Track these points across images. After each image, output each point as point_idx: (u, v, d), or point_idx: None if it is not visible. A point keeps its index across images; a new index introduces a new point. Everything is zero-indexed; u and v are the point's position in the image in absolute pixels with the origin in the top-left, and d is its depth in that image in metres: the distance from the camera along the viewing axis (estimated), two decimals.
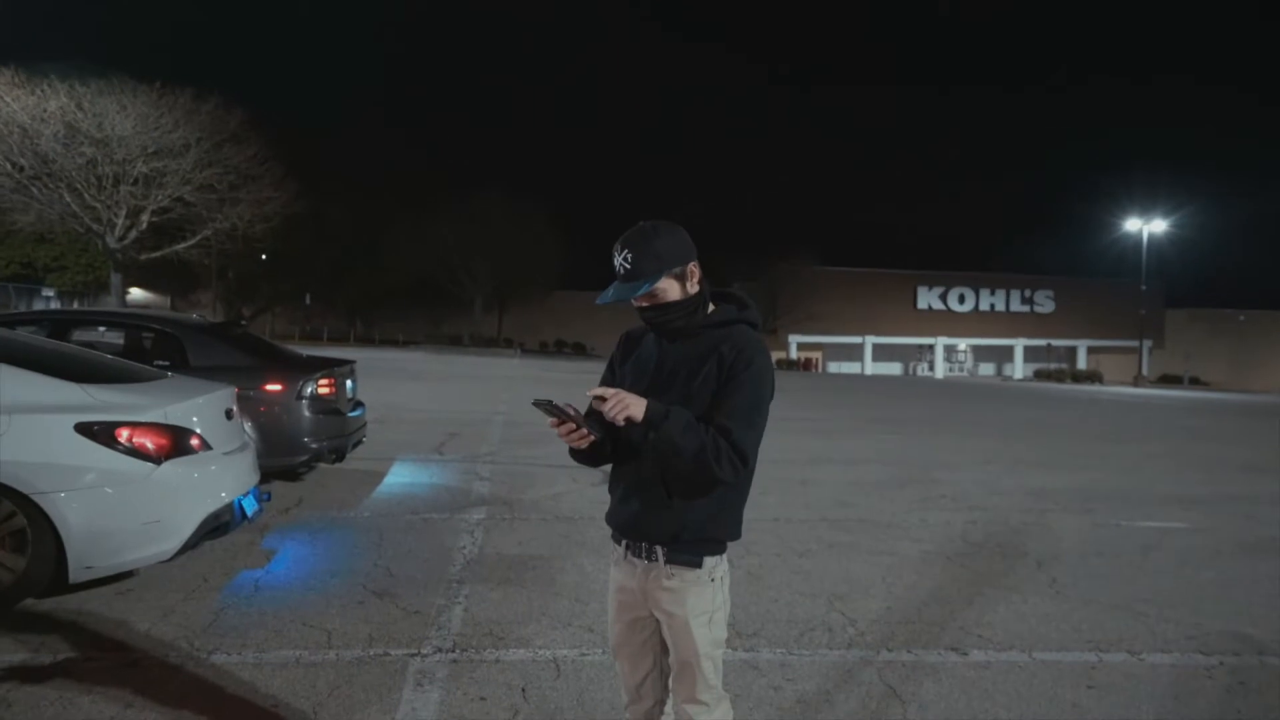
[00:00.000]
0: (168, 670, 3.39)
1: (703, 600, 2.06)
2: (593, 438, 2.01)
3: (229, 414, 4.89)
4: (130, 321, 7.16)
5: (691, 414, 1.96)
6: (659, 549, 2.07)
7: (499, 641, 3.84)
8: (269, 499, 5.39)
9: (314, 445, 6.86)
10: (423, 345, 49.82)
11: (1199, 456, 11.86)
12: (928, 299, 58.69)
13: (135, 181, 28.70)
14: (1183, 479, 9.54)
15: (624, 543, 2.16)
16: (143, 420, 4.18)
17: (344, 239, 50.07)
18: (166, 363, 6.59)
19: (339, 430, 7.17)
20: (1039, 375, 51.90)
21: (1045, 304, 59.11)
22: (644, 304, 2.08)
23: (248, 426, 6.51)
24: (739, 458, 1.94)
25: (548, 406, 1.94)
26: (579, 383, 22.91)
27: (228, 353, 7.00)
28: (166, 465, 4.16)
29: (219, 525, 4.45)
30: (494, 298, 56.52)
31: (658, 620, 2.12)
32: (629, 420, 1.92)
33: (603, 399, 1.92)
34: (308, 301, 54.27)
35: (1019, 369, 58.08)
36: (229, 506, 4.52)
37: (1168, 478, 9.61)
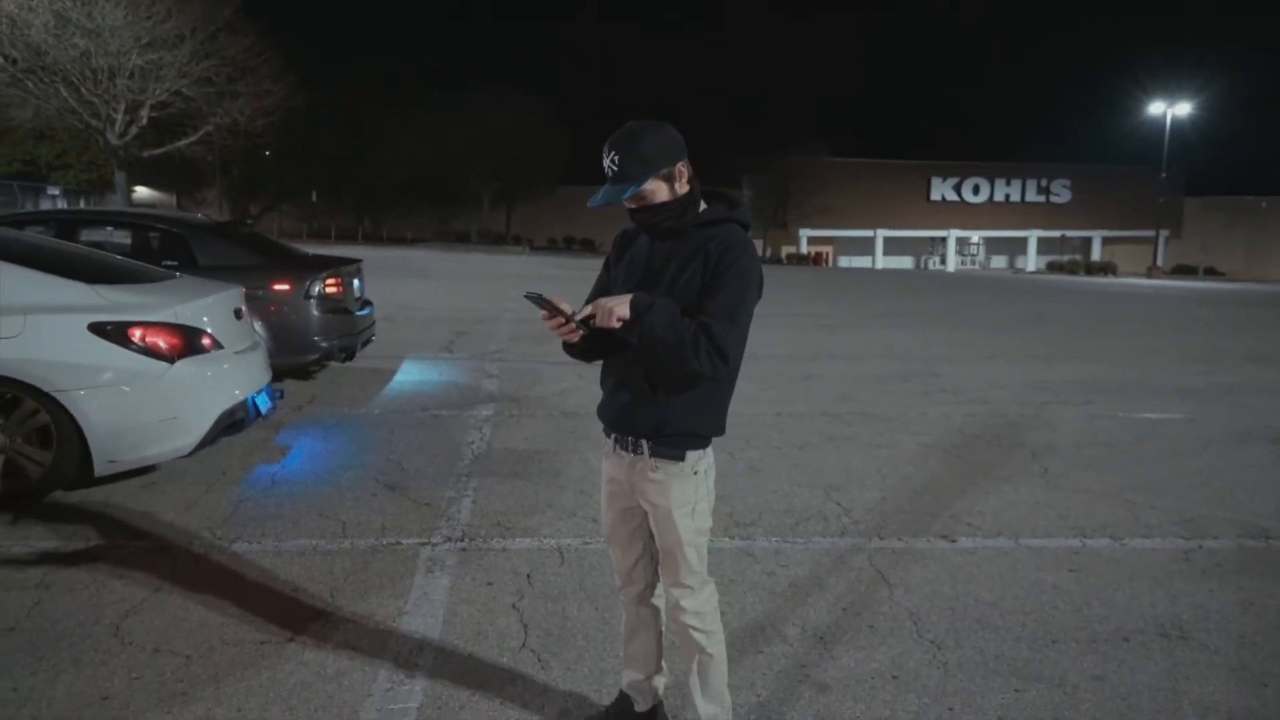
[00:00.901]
0: (193, 558, 3.59)
1: (685, 492, 2.16)
2: (583, 331, 2.07)
3: (238, 313, 4.97)
4: (136, 221, 7.16)
5: (677, 307, 2.01)
6: (644, 443, 2.15)
7: (506, 531, 4.02)
8: (282, 396, 5.53)
9: (323, 344, 6.97)
10: (431, 243, 49.59)
11: (1202, 348, 11.89)
12: (941, 190, 57.58)
13: (131, 75, 27.97)
14: (1184, 370, 9.60)
15: (613, 436, 2.25)
16: (154, 320, 4.27)
17: (347, 134, 49.13)
18: (174, 263, 6.63)
19: (348, 329, 7.27)
20: (1051, 267, 51.42)
21: (1062, 194, 57.93)
22: (633, 205, 2.09)
23: (257, 326, 6.62)
24: (718, 354, 1.99)
25: (538, 300, 1.99)
26: (587, 280, 22.80)
27: (234, 252, 7.03)
28: (180, 364, 4.27)
29: (234, 422, 4.60)
30: (501, 194, 55.82)
31: (645, 510, 2.22)
32: (620, 320, 1.97)
33: (592, 315, 1.98)
34: (314, 199, 53.74)
35: (1032, 261, 57.48)
36: (243, 404, 4.65)
37: (1169, 369, 9.68)
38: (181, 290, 4.69)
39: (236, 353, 4.73)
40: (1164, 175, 46.51)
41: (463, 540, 3.89)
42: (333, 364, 7.67)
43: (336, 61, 48.09)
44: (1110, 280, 39.54)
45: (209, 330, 4.51)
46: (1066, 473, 5.28)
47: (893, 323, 14.63)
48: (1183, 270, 49.28)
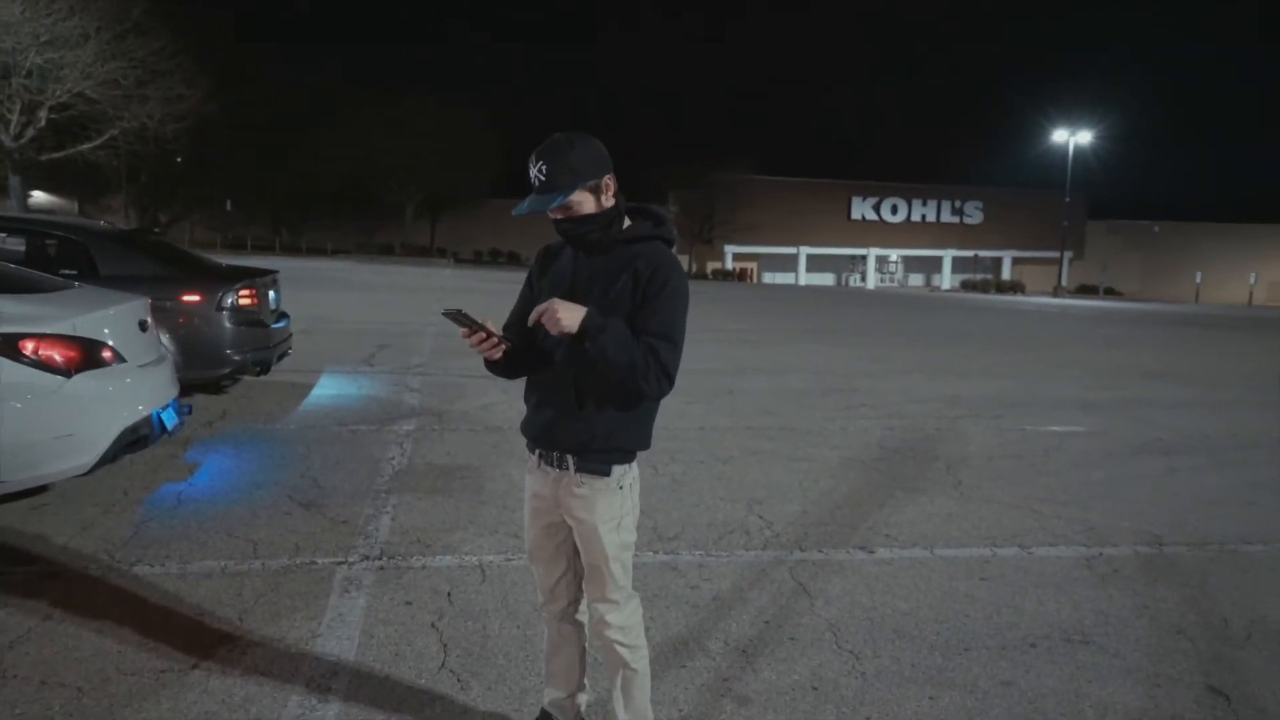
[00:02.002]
0: (88, 582, 3.40)
1: (611, 507, 2.15)
2: (505, 347, 2.04)
3: (143, 325, 4.75)
4: (32, 228, 6.79)
5: (626, 327, 2.01)
6: (570, 458, 2.14)
7: (426, 549, 3.93)
8: (190, 412, 5.31)
9: (236, 357, 6.72)
10: (352, 254, 48.49)
11: (1105, 364, 12.51)
12: (861, 209, 59.24)
13: (29, 74, 26.59)
14: (1087, 385, 10.08)
15: (537, 451, 2.23)
16: (49, 332, 4.03)
17: (265, 141, 47.70)
18: (73, 272, 6.31)
19: (262, 342, 7.03)
20: (965, 286, 53.45)
21: (974, 215, 60.28)
22: (559, 216, 2.08)
23: (165, 338, 6.35)
24: (665, 376, 2.01)
25: (457, 316, 1.95)
26: (512, 293, 22.61)
27: (141, 262, 6.73)
28: (78, 378, 4.05)
29: (137, 439, 4.38)
30: (425, 206, 55.02)
31: (570, 525, 2.21)
32: (564, 332, 1.95)
33: (541, 312, 1.95)
34: (229, 208, 51.93)
35: (947, 279, 59.57)
36: (147, 420, 4.44)
37: (1074, 384, 10.14)
38: (80, 301, 4.45)
39: (140, 366, 4.52)
40: (1067, 199, 48.94)
41: (381, 559, 3.79)
42: (247, 378, 7.40)
43: (259, 65, 46.50)
44: (1019, 299, 41.31)
45: (110, 343, 4.30)
46: (978, 485, 5.47)
47: (814, 338, 14.96)
48: (1085, 290, 51.89)
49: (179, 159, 43.36)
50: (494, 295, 21.71)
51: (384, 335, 11.90)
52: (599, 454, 2.12)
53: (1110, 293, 50.53)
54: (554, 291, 2.16)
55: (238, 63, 41.79)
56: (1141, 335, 19.07)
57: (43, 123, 28.03)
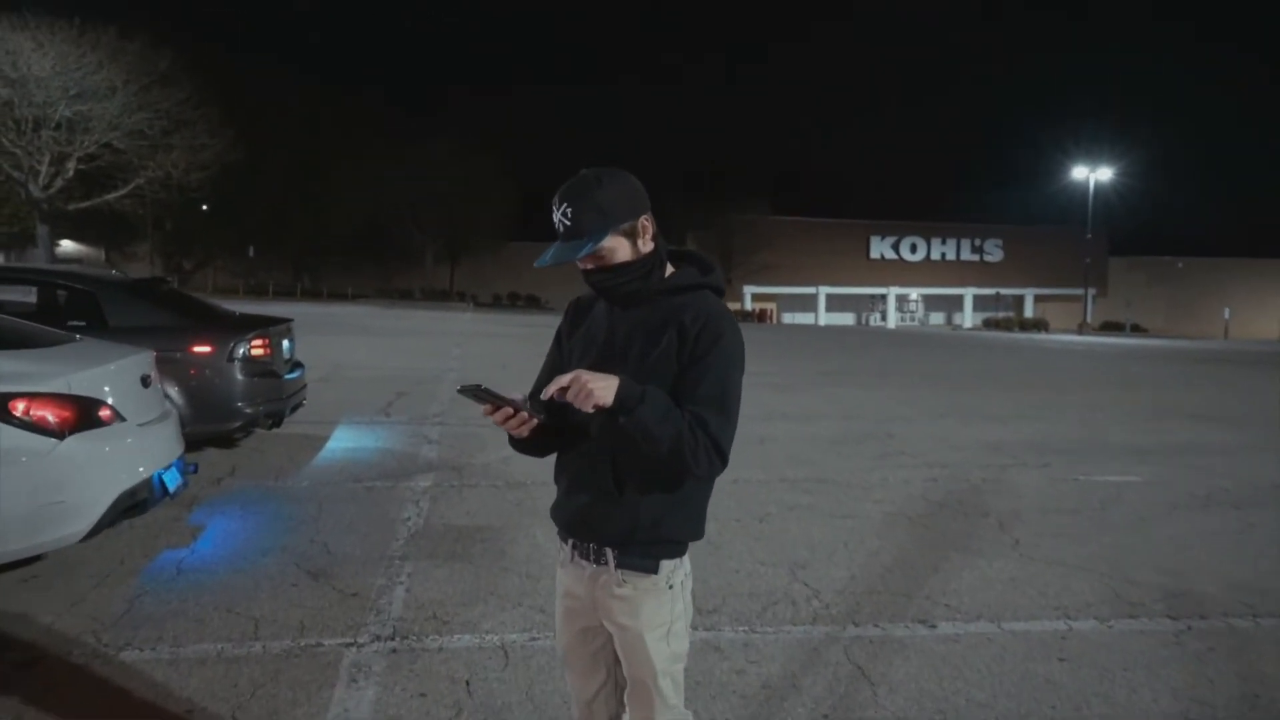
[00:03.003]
0: (69, 671, 3.07)
1: (660, 611, 1.81)
2: (534, 422, 1.74)
3: (145, 380, 4.49)
4: (40, 279, 6.62)
5: (667, 395, 1.70)
6: (609, 551, 1.81)
7: (443, 626, 3.58)
8: (195, 471, 5.02)
9: (248, 410, 6.46)
10: (372, 299, 48.74)
11: (1146, 405, 12.02)
12: (880, 248, 59.02)
13: (58, 126, 27.12)
14: (1132, 429, 9.61)
15: (570, 542, 1.90)
16: (42, 391, 3.77)
17: (287, 187, 48.34)
18: (82, 323, 6.10)
19: (275, 394, 6.77)
20: (987, 324, 52.81)
21: (994, 253, 59.87)
22: (588, 266, 1.78)
23: (173, 392, 6.11)
24: (717, 453, 1.69)
25: (475, 392, 1.64)
26: (534, 337, 22.50)
27: (150, 312, 6.52)
28: (71, 440, 3.77)
29: (136, 503, 4.09)
30: (445, 250, 55.38)
31: (610, 631, 1.87)
32: (598, 407, 1.64)
33: (564, 388, 1.64)
34: (251, 254, 52.50)
35: (968, 318, 58.99)
36: (147, 482, 4.15)
37: (1118, 428, 9.68)
38: (78, 356, 4.20)
39: (141, 425, 4.24)
40: (1089, 235, 48.47)
41: (393, 639, 3.44)
42: (259, 431, 7.13)
43: (280, 112, 47.36)
44: (1044, 336, 40.68)
45: (108, 401, 4.03)
46: (1037, 543, 5.05)
47: (841, 380, 14.56)
48: (1110, 326, 51.08)
49: (204, 206, 44.01)
50: (514, 340, 21.55)
51: (402, 382, 11.65)
52: (644, 546, 1.79)
53: (1136, 329, 49.72)
54: (586, 352, 1.85)
55: (259, 109, 42.48)
56: (1177, 374, 18.50)
57: (71, 173, 28.52)
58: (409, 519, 5.14)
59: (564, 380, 1.64)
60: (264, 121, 43.31)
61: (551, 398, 1.66)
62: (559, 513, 1.92)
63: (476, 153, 50.64)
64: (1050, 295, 59.25)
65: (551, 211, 1.76)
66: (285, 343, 7.19)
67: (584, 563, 1.85)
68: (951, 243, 59.65)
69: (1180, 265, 61.97)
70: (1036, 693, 3.18)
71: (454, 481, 6.13)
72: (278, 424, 6.94)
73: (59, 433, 3.74)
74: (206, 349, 6.36)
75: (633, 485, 1.77)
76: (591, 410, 1.64)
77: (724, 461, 1.70)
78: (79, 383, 3.90)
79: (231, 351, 6.40)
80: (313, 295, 51.66)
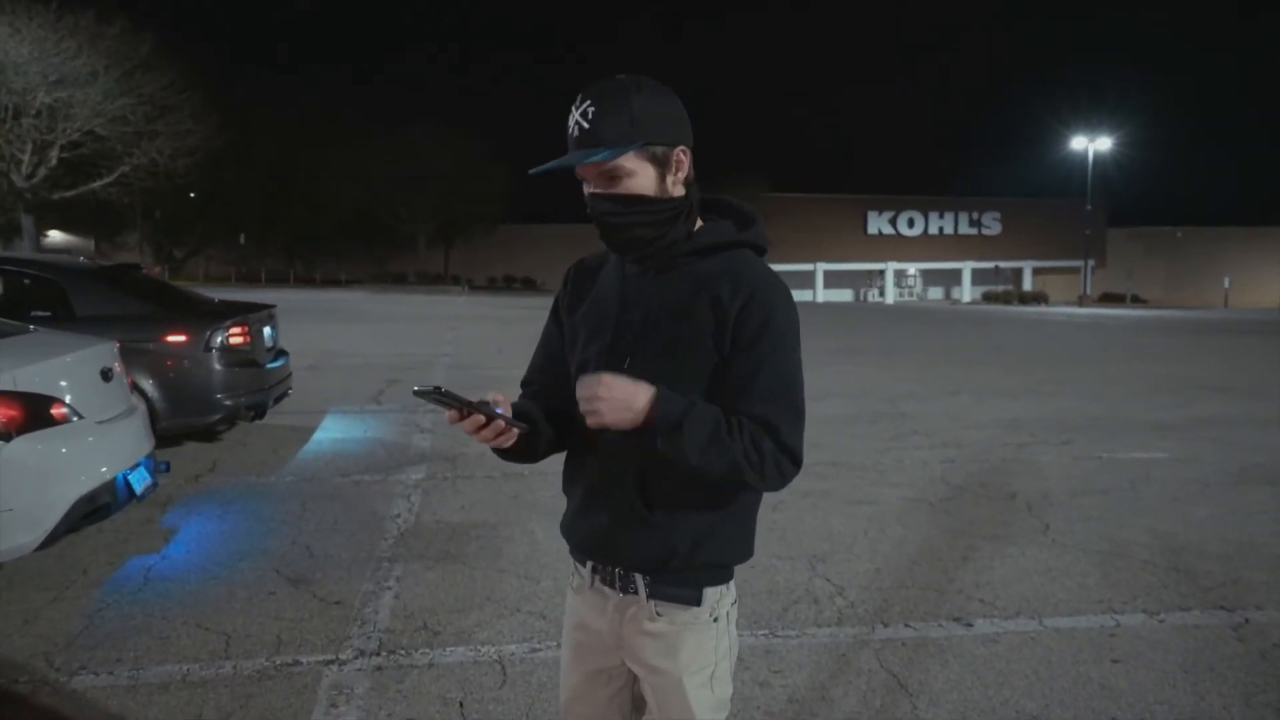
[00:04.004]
0: (11, 702, 2.74)
1: (703, 650, 1.45)
2: (515, 433, 1.39)
3: (107, 374, 4.13)
4: (2, 267, 6.23)
5: (716, 409, 1.34)
6: (639, 578, 1.45)
7: (434, 637, 3.26)
8: (167, 470, 4.69)
9: (227, 402, 6.11)
10: (366, 285, 48.26)
11: (1160, 378, 11.70)
12: (878, 224, 58.50)
13: (38, 114, 26.52)
14: (1151, 403, 9.30)
15: (589, 565, 1.53)
16: None
17: (277, 174, 47.68)
18: (47, 314, 5.74)
19: (257, 384, 6.41)
20: (987, 298, 52.43)
21: (993, 226, 59.38)
22: (597, 188, 1.38)
23: (147, 385, 5.76)
24: (791, 461, 1.34)
25: (436, 396, 1.26)
26: (529, 319, 22.11)
27: (121, 300, 6.15)
28: (18, 441, 3.43)
29: (97, 508, 3.75)
30: (438, 234, 54.78)
31: (631, 672, 1.53)
32: (631, 426, 1.31)
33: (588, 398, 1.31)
34: (242, 241, 51.87)
35: (967, 292, 58.59)
36: (109, 485, 3.81)
37: (1136, 402, 9.36)
38: (26, 349, 3.84)
39: (101, 422, 3.89)
40: (1088, 207, 48.01)
41: (379, 654, 3.12)
42: (242, 423, 6.78)
43: (267, 98, 46.72)
44: (1045, 309, 40.32)
45: (63, 397, 3.68)
46: (1069, 529, 4.74)
47: (845, 358, 14.21)
48: (1109, 298, 50.70)
49: (192, 194, 43.40)
50: (509, 323, 21.19)
51: (394, 369, 11.29)
52: (682, 573, 1.43)
53: (1136, 300, 49.35)
54: (595, 332, 1.47)
55: (246, 94, 41.85)
56: (1184, 345, 18.18)
57: (54, 162, 27.96)
58: (399, 516, 4.82)
59: (582, 387, 1.30)
60: (251, 107, 42.65)
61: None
62: (572, 532, 1.55)
63: (467, 135, 50.00)
64: (1049, 268, 58.85)
65: (569, 115, 1.37)
66: (267, 330, 6.82)
67: (607, 590, 1.50)
68: (949, 216, 59.13)
69: (1179, 235, 61.46)
70: (1092, 700, 2.87)
71: (447, 473, 5.80)
72: (261, 415, 6.59)
73: (4, 434, 3.39)
74: (182, 338, 6.00)
75: (666, 503, 1.41)
76: (615, 428, 1.31)
77: (798, 467, 1.36)
78: (26, 378, 3.55)
79: (209, 340, 6.04)
80: (306, 281, 51.14)
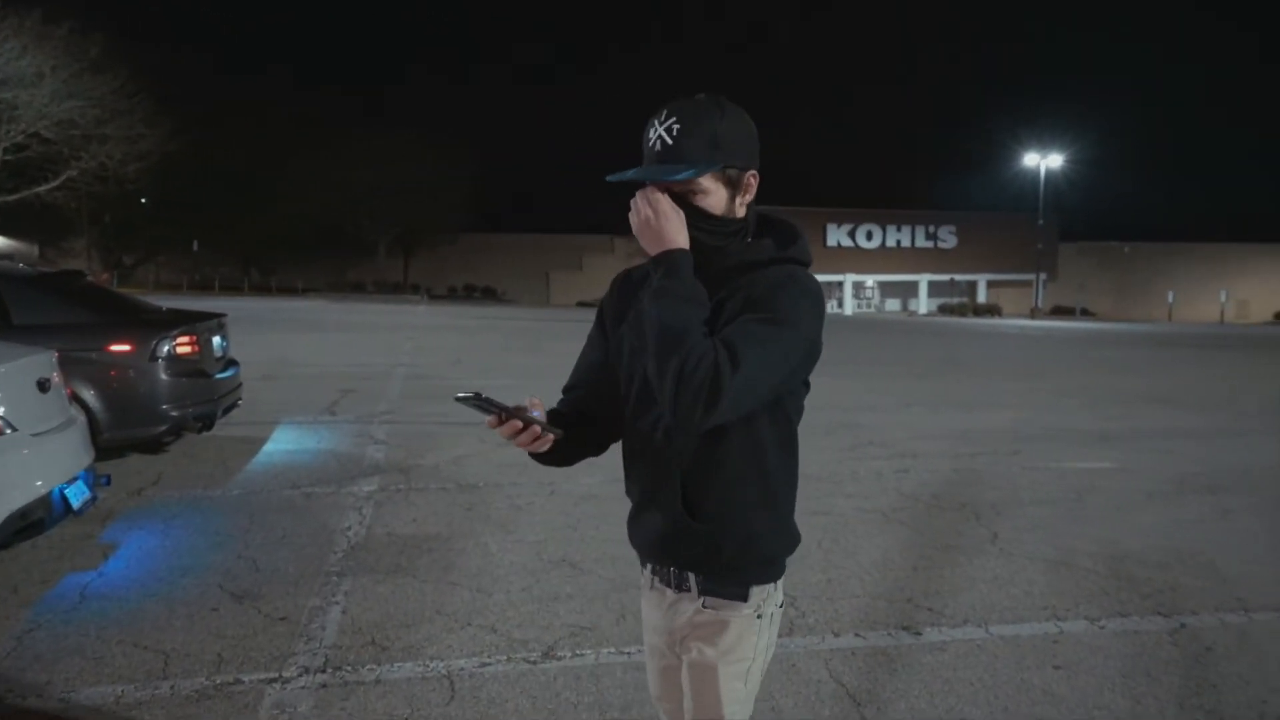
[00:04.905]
0: None
1: (744, 643, 1.51)
2: (550, 438, 1.46)
3: (44, 385, 4.01)
4: None
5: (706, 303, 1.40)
6: (691, 576, 1.52)
7: (381, 653, 3.21)
8: (108, 483, 4.57)
9: (174, 413, 5.97)
10: (324, 293, 47.59)
11: (1107, 390, 12.00)
12: (836, 236, 59.24)
13: None
14: (1098, 414, 9.53)
15: (649, 566, 1.60)
16: None
17: (233, 179, 46.83)
18: None
19: (205, 394, 6.28)
20: (943, 310, 53.40)
21: (948, 239, 60.48)
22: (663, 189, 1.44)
23: (89, 395, 5.62)
24: (711, 388, 1.27)
25: (477, 402, 1.34)
26: (489, 329, 21.99)
27: (63, 308, 5.99)
28: None
29: (30, 523, 3.65)
30: (398, 242, 54.25)
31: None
32: (643, 241, 1.40)
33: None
34: (196, 248, 50.81)
35: (924, 304, 59.58)
36: (44, 499, 3.71)
37: (1083, 413, 9.59)
38: None
39: (36, 435, 3.78)
40: (1040, 222, 49.19)
41: (324, 670, 3.06)
42: (189, 435, 6.63)
43: (224, 102, 45.90)
44: (998, 321, 41.18)
45: None
46: (1018, 538, 4.82)
47: None
48: (1060, 311, 51.95)
49: (143, 200, 42.42)
50: (469, 333, 21.06)
51: (350, 379, 11.14)
52: (733, 570, 1.50)
53: (1086, 313, 50.63)
54: (639, 342, 1.51)
55: (202, 98, 41.13)
56: (1131, 357, 18.69)
57: None
58: (349, 528, 4.74)
59: (644, 199, 1.40)
60: (208, 110, 41.88)
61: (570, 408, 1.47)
62: (632, 535, 1.63)
63: (430, 143, 49.62)
64: (1002, 281, 60.06)
65: (646, 130, 1.43)
66: (217, 339, 6.69)
67: (664, 589, 1.57)
68: (906, 230, 60.12)
69: (1126, 250, 63.21)
70: (1035, 707, 2.92)
71: (400, 485, 5.72)
72: (209, 427, 6.45)
73: None
74: (126, 347, 5.86)
75: (708, 506, 1.48)
76: (644, 240, 1.39)
77: (713, 406, 1.29)
78: None
79: (154, 350, 5.90)
80: (262, 290, 50.30)
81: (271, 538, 4.53)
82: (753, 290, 1.41)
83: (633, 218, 1.42)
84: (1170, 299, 53.10)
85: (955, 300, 55.09)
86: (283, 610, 3.58)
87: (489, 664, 3.14)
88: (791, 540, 1.57)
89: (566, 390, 1.66)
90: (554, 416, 1.54)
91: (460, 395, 1.35)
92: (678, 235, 1.39)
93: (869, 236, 59.50)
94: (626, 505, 1.63)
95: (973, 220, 60.74)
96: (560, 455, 1.55)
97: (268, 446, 6.87)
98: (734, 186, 1.45)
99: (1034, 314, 48.17)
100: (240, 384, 7.19)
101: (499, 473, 5.96)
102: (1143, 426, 8.73)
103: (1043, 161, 49.53)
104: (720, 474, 1.46)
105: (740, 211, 1.47)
